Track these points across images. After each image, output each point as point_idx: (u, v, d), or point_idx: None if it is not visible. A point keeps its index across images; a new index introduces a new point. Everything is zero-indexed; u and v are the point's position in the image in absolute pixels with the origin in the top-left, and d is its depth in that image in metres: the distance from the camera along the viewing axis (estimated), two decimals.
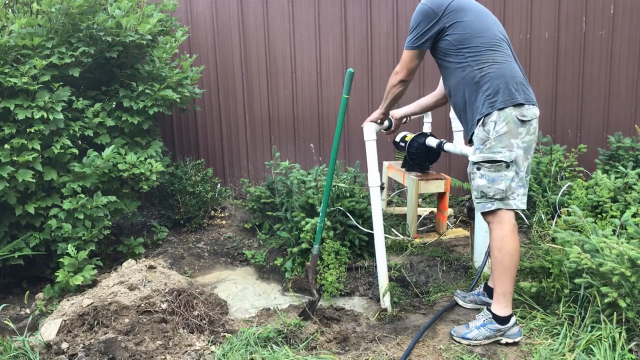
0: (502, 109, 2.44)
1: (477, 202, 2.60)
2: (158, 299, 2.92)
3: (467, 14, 2.54)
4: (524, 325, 2.70)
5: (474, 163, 2.56)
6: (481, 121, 2.51)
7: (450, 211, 4.58)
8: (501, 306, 2.54)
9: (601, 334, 2.38)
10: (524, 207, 2.53)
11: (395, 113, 3.29)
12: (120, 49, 3.86)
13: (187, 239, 4.50)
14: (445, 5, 2.53)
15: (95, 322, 2.75)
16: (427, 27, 2.57)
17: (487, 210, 2.54)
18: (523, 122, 2.45)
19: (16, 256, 3.44)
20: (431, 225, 4.34)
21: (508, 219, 2.51)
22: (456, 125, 4.09)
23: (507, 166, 2.46)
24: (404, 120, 3.38)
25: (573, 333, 2.51)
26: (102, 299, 2.87)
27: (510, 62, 2.55)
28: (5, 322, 3.02)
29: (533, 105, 2.52)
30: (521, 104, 2.46)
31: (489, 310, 2.59)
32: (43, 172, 3.46)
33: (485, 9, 2.65)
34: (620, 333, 2.35)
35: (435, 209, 4.34)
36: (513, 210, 2.52)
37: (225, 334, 2.83)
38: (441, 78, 2.86)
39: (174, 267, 3.94)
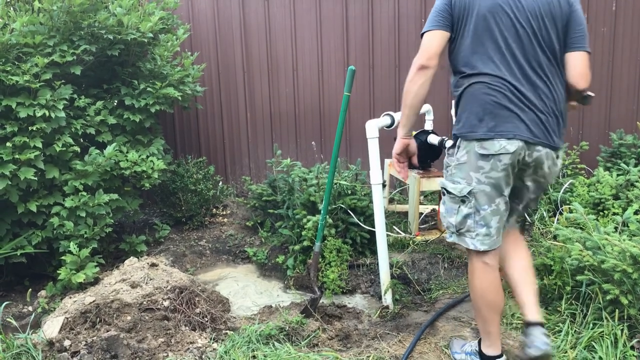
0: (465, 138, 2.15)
1: None
2: (160, 297, 2.92)
3: None
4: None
5: (441, 187, 2.29)
6: (451, 142, 2.28)
7: None
8: (485, 344, 2.30)
9: (603, 331, 2.39)
10: (483, 249, 2.15)
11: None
12: (122, 47, 3.86)
13: (188, 237, 4.50)
14: None
15: (98, 319, 2.75)
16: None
17: (449, 240, 2.29)
18: (485, 155, 2.08)
19: (18, 254, 3.45)
20: (433, 223, 4.34)
21: (474, 256, 2.21)
22: None
23: (462, 200, 2.15)
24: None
25: (575, 330, 2.51)
26: (104, 297, 2.87)
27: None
28: (8, 319, 3.02)
29: (506, 138, 2.06)
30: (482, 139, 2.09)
31: (479, 342, 2.36)
32: (45, 170, 3.47)
33: None
34: (622, 330, 2.35)
35: (436, 207, 4.34)
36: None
37: (227, 331, 2.84)
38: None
39: (175, 265, 3.95)
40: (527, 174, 2.18)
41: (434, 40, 2.17)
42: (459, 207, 2.16)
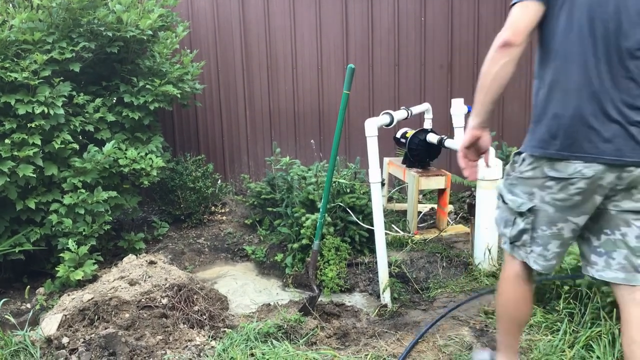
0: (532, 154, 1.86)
1: None
2: (158, 294, 2.92)
3: None
4: None
5: (497, 190, 2.07)
6: (515, 151, 1.99)
7: (450, 207, 4.58)
8: (500, 355, 2.18)
9: (601, 331, 2.39)
10: (537, 268, 1.94)
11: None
12: (121, 44, 3.86)
13: (187, 235, 4.50)
14: None
15: (96, 317, 2.75)
16: None
17: (503, 246, 2.07)
18: (555, 178, 1.81)
19: (17, 251, 3.44)
20: (431, 222, 4.34)
21: (511, 263, 2.03)
22: (457, 121, 4.09)
23: (519, 214, 1.92)
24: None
25: (573, 329, 2.52)
26: (102, 294, 2.87)
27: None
28: (6, 316, 3.02)
29: (583, 161, 1.74)
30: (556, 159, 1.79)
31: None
32: (44, 167, 3.46)
33: None
34: (619, 329, 2.35)
35: (435, 206, 4.34)
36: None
37: (226, 329, 2.84)
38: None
39: (174, 263, 3.95)
40: (621, 200, 1.80)
41: (525, 14, 1.78)
42: (515, 219, 1.94)
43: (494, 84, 1.81)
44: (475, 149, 1.98)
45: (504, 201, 1.98)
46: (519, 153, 1.94)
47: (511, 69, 1.79)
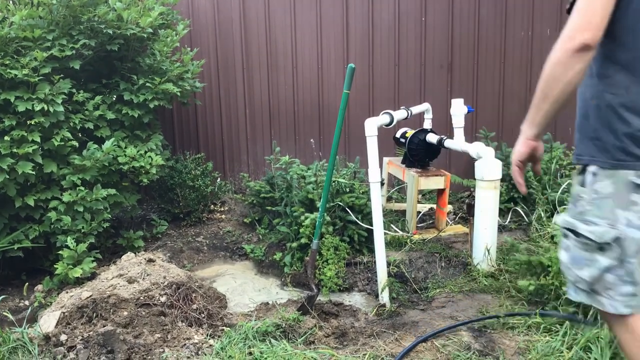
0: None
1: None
2: (157, 292, 2.92)
3: None
4: (522, 322, 2.70)
5: (562, 227, 1.73)
6: (581, 167, 1.67)
7: (449, 208, 4.58)
8: None
9: (600, 332, 2.39)
10: (627, 312, 1.60)
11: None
12: (121, 41, 3.85)
13: (186, 233, 4.50)
14: None
15: (94, 314, 2.75)
16: None
17: (572, 298, 1.74)
18: None
19: (15, 248, 3.44)
20: (430, 222, 4.35)
21: (617, 323, 1.66)
22: (457, 122, 4.09)
23: (600, 248, 1.59)
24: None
25: (572, 332, 2.51)
26: (101, 292, 2.87)
27: None
28: (4, 313, 3.02)
29: None
30: None
31: None
32: (43, 165, 3.46)
33: None
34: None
35: (434, 206, 4.34)
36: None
37: (224, 327, 2.84)
38: None
39: (173, 261, 3.95)
40: None
41: (599, 5, 1.45)
42: (595, 256, 1.60)
43: (564, 93, 1.53)
44: (529, 161, 1.75)
45: (576, 235, 1.64)
46: (583, 170, 1.64)
47: (583, 75, 1.52)
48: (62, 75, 3.56)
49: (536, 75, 5.30)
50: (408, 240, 3.85)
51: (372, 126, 3.08)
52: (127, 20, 3.74)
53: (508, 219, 4.36)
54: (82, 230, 3.50)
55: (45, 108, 3.38)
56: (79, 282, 3.31)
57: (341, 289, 3.49)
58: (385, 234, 3.43)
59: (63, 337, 2.58)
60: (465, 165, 5.18)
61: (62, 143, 3.49)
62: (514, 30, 5.06)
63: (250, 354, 2.46)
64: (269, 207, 4.37)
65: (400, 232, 3.97)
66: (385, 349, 2.53)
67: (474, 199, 3.45)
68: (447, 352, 2.49)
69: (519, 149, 1.71)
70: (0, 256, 3.49)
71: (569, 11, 1.54)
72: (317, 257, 3.47)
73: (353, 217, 3.69)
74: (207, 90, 5.33)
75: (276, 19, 5.23)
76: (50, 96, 3.43)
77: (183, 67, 4.21)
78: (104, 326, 2.60)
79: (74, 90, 3.66)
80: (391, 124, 3.46)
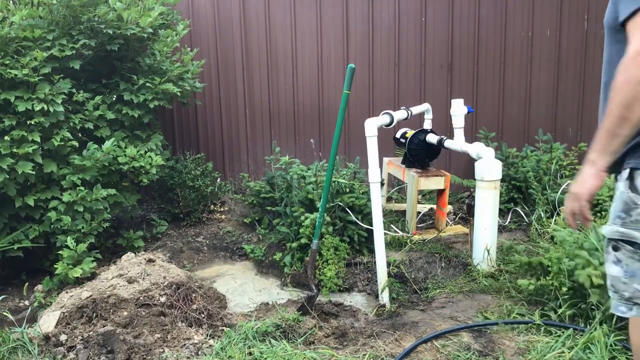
0: None
1: (611, 295, 1.66)
2: (157, 292, 2.92)
3: None
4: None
5: (609, 239, 1.61)
6: (628, 172, 1.56)
7: (449, 208, 4.58)
8: None
9: (600, 332, 2.39)
10: None
11: None
12: (121, 42, 3.85)
13: (186, 233, 4.50)
14: None
15: (94, 314, 2.75)
16: None
17: (620, 314, 1.63)
18: None
19: (15, 248, 3.44)
20: (430, 222, 4.34)
21: None
22: (457, 122, 4.09)
23: None
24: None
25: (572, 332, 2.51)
26: (101, 292, 2.87)
27: None
28: (4, 313, 3.02)
29: None
30: None
31: None
32: (43, 164, 3.46)
33: None
34: (616, 333, 2.35)
35: (434, 206, 4.34)
36: None
37: (224, 327, 2.84)
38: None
39: (173, 261, 3.94)
40: None
41: None
42: None
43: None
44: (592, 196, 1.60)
45: (633, 246, 1.54)
46: (631, 176, 1.53)
47: None
48: (62, 75, 3.56)
49: (536, 75, 5.33)
50: (408, 241, 3.85)
51: (372, 126, 3.08)
52: (127, 20, 3.74)
53: (508, 219, 4.36)
54: (82, 230, 3.50)
55: (45, 108, 3.38)
56: (79, 282, 3.31)
57: (341, 289, 3.49)
58: (385, 234, 3.43)
59: (63, 337, 2.58)
60: (465, 166, 5.18)
61: (62, 143, 3.49)
62: (514, 30, 5.06)
63: (250, 354, 2.46)
64: (269, 207, 4.37)
65: (400, 233, 3.97)
66: (385, 349, 2.53)
67: (473, 199, 3.45)
68: (447, 352, 2.49)
69: (593, 183, 1.55)
70: (0, 256, 3.49)
71: (623, 24, 1.46)
72: (317, 257, 3.47)
73: (353, 217, 3.69)
74: (207, 91, 5.33)
75: (276, 19, 5.23)
76: (50, 96, 3.43)
77: (183, 67, 4.21)
78: (103, 326, 2.60)
79: (74, 90, 3.66)
80: (391, 124, 3.46)
